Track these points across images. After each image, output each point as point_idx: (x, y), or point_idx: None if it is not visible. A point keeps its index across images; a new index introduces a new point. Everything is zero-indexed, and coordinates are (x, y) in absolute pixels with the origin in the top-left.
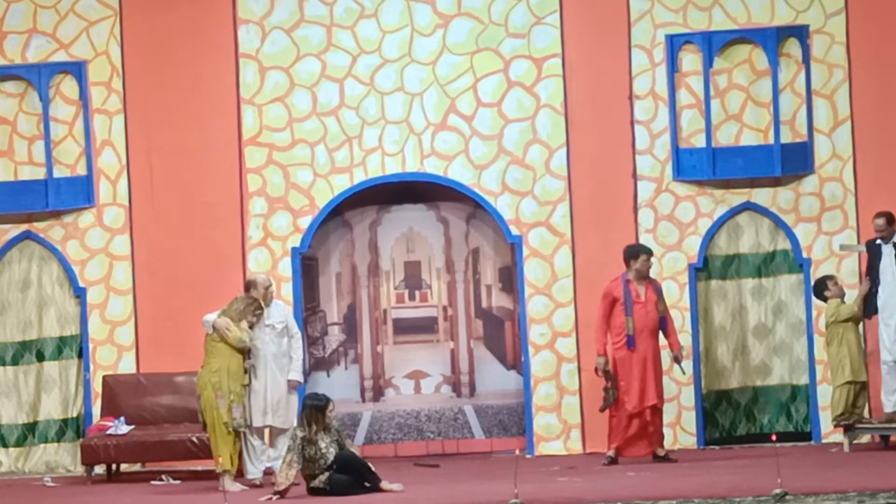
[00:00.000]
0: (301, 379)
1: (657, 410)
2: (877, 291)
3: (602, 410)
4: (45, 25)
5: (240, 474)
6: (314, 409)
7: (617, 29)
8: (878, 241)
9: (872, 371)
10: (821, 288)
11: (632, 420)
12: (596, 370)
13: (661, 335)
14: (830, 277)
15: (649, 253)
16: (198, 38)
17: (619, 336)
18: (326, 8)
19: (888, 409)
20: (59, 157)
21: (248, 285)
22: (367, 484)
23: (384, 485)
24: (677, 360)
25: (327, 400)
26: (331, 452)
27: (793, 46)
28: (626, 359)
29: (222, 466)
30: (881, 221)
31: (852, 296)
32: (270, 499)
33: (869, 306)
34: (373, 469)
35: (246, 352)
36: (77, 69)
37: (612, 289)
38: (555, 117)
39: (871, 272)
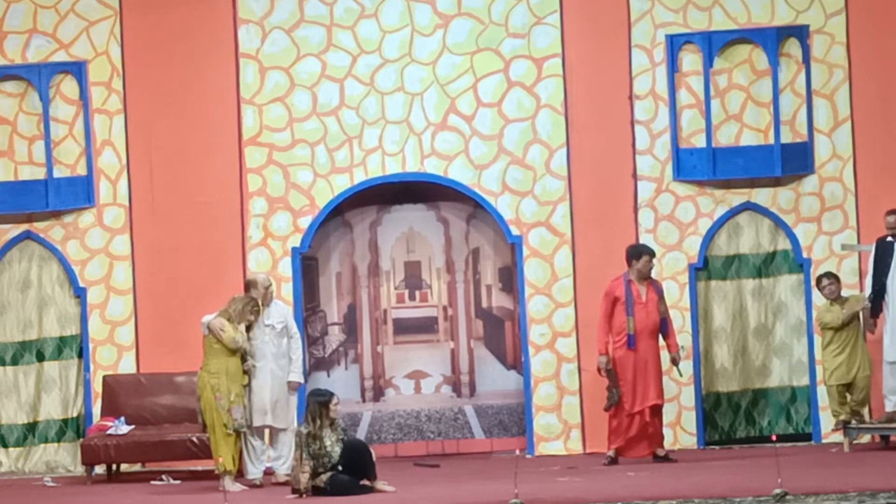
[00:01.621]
0: (301, 380)
1: (657, 410)
2: (881, 289)
3: (607, 410)
4: (46, 25)
5: (240, 474)
6: (317, 404)
7: (617, 29)
8: (890, 239)
9: (874, 369)
10: (818, 283)
11: (632, 420)
12: (599, 370)
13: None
14: (827, 276)
15: (651, 254)
16: (198, 37)
17: (620, 336)
18: (326, 8)
19: (889, 408)
20: (59, 157)
21: (248, 285)
22: (364, 482)
23: (379, 484)
24: (675, 361)
25: (330, 394)
26: (336, 451)
27: (793, 46)
28: (626, 358)
29: (223, 467)
30: (893, 219)
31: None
32: (302, 496)
33: (875, 305)
34: (374, 464)
35: (243, 352)
36: (77, 69)
37: (614, 288)
38: (555, 117)
39: (878, 270)
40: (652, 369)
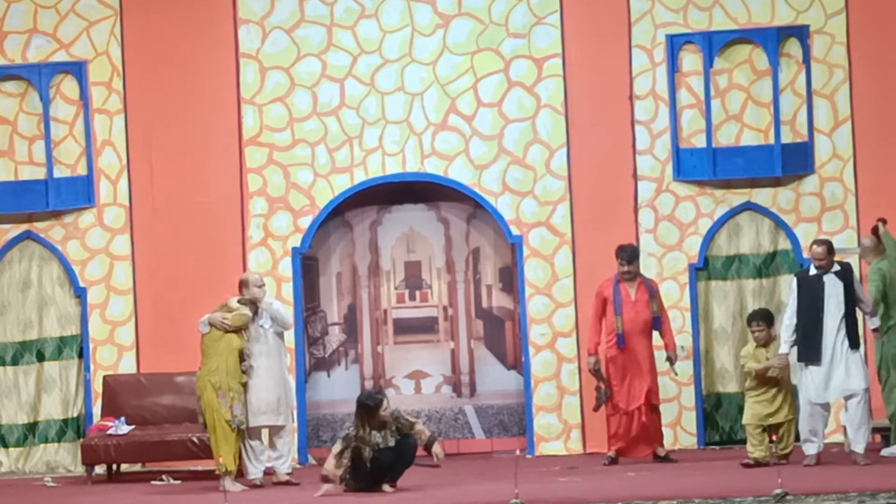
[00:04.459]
0: (273, 301)
1: (654, 409)
2: (806, 327)
3: (595, 410)
4: (46, 25)
5: (240, 474)
6: (365, 410)
7: (617, 29)
8: (815, 272)
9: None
10: (749, 324)
11: (630, 421)
12: (590, 370)
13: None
14: (757, 320)
15: (623, 258)
16: (198, 37)
17: (610, 335)
18: (327, 8)
19: (811, 451)
20: (59, 157)
21: (240, 284)
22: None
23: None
24: (671, 360)
25: (380, 400)
26: (389, 443)
27: (793, 46)
28: (617, 358)
29: (223, 467)
30: (822, 250)
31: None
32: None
33: (809, 348)
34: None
35: (241, 350)
36: (77, 69)
37: (603, 288)
38: (555, 117)
39: (807, 307)
40: (644, 368)
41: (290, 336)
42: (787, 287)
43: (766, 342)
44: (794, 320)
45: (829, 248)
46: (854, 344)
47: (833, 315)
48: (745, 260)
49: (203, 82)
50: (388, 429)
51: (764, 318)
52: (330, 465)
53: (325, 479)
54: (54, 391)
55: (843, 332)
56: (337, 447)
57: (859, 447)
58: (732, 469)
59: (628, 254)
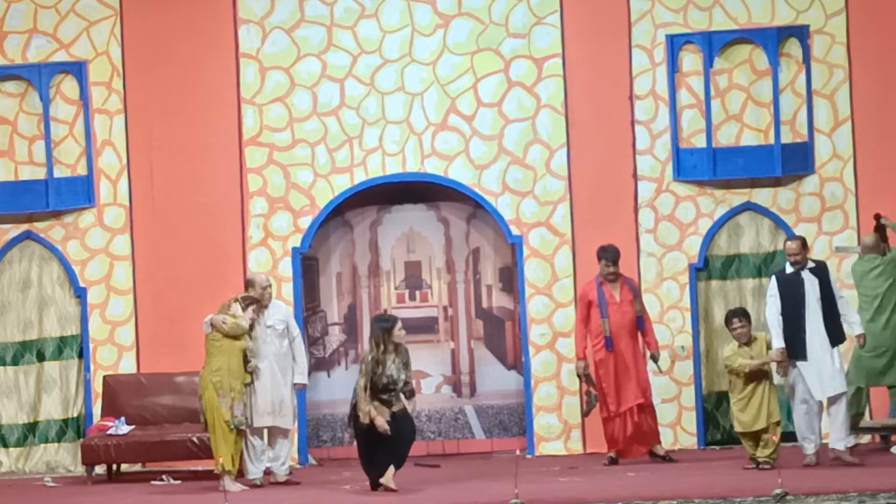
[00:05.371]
0: (306, 381)
1: (646, 408)
2: (789, 324)
3: (586, 415)
4: (46, 25)
5: (240, 474)
6: (382, 331)
7: (617, 29)
8: (791, 269)
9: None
10: (728, 322)
11: (624, 422)
12: (578, 375)
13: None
14: (738, 316)
15: (607, 258)
16: (198, 38)
17: (598, 338)
18: (327, 8)
19: (810, 450)
20: (59, 157)
21: (247, 284)
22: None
23: (386, 477)
24: (654, 358)
25: (394, 320)
26: (401, 377)
27: (793, 46)
28: (607, 360)
29: (223, 467)
30: (796, 245)
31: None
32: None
33: (797, 346)
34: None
35: (246, 350)
36: (77, 69)
37: (587, 291)
38: (555, 117)
39: (789, 306)
40: (634, 368)
41: None
42: None
43: (749, 340)
44: (780, 318)
45: (803, 243)
46: (835, 340)
47: (814, 310)
48: (745, 260)
49: (203, 82)
50: (399, 355)
51: (745, 315)
52: (364, 404)
53: (371, 418)
54: (54, 391)
55: (823, 327)
56: (361, 381)
57: (840, 444)
58: (732, 469)
59: (612, 254)
